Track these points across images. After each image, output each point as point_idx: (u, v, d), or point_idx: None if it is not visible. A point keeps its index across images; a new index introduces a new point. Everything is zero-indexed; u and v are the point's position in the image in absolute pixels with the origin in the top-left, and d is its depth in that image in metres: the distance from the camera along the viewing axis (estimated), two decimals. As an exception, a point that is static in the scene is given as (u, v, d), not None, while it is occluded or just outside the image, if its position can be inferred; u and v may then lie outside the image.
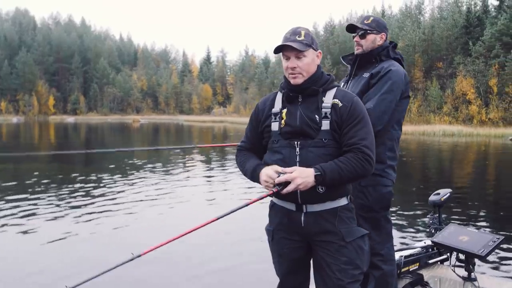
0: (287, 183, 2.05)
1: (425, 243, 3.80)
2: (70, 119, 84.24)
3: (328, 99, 2.19)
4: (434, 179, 12.89)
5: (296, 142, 2.16)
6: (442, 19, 57.17)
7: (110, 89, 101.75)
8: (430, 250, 3.72)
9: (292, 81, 2.20)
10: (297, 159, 2.14)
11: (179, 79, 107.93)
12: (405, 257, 3.52)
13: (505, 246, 5.72)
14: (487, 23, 49.50)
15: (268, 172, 2.12)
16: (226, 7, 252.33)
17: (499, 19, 47.68)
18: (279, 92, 2.32)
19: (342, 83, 3.10)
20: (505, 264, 5.23)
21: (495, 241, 3.31)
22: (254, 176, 2.24)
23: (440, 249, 3.71)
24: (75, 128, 53.42)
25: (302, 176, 2.03)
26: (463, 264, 3.48)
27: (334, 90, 2.23)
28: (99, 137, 36.30)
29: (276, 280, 2.44)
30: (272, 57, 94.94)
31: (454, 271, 3.46)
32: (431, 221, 3.93)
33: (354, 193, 2.65)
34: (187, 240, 6.30)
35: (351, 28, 3.00)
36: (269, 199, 2.36)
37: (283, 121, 2.21)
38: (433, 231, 3.84)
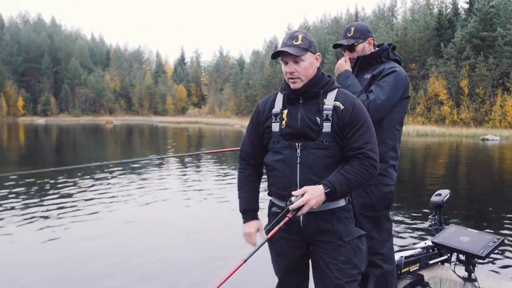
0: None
1: (425, 243, 3.84)
2: (40, 120, 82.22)
3: (329, 101, 2.20)
4: (419, 179, 13.04)
5: (297, 144, 2.18)
6: (415, 21, 58.19)
7: (82, 90, 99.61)
8: (431, 250, 3.74)
9: (291, 86, 2.22)
10: (298, 160, 2.17)
11: (153, 80, 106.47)
12: (406, 257, 3.53)
13: (505, 246, 5.77)
14: (458, 26, 50.63)
15: (249, 231, 2.34)
16: (200, 7, 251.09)
17: (469, 21, 48.82)
18: (279, 92, 2.33)
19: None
20: (505, 265, 5.27)
21: (495, 242, 3.31)
22: (242, 215, 2.41)
23: (440, 250, 3.72)
24: (46, 129, 52.23)
25: (314, 196, 2.05)
26: (463, 265, 3.47)
27: (335, 91, 2.23)
28: (71, 139, 35.55)
29: (275, 280, 2.43)
30: (247, 58, 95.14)
31: (455, 272, 3.47)
32: (432, 222, 3.91)
33: (356, 192, 2.68)
34: (187, 241, 6.30)
35: (337, 46, 3.10)
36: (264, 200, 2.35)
37: (283, 122, 2.23)
38: (433, 231, 3.82)
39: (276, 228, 2.09)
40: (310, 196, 2.04)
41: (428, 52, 52.16)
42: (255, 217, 2.40)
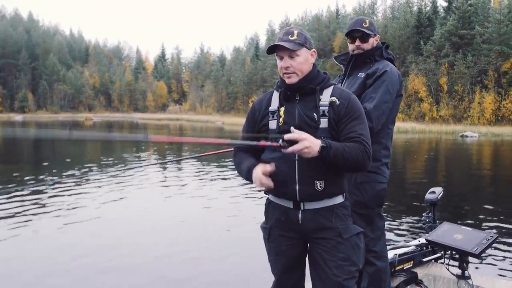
0: (294, 142, 2.00)
1: (419, 241, 3.81)
2: (18, 117, 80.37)
3: (326, 97, 2.21)
4: (401, 176, 13.10)
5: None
6: (395, 19, 58.80)
7: (60, 86, 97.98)
8: (425, 248, 3.73)
9: (287, 81, 2.22)
10: (296, 157, 2.14)
11: (133, 76, 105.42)
12: (400, 255, 3.52)
13: (498, 244, 5.81)
14: (437, 24, 51.32)
15: (257, 175, 2.14)
16: (180, 3, 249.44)
17: (448, 19, 49.54)
18: (275, 91, 2.32)
19: (336, 83, 3.05)
20: (498, 262, 5.29)
21: (488, 239, 3.30)
22: (248, 177, 2.22)
23: (434, 247, 3.71)
24: (23, 126, 51.28)
25: (310, 140, 2.00)
26: (457, 262, 3.45)
27: (331, 88, 2.25)
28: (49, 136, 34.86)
29: (271, 278, 2.39)
30: (228, 55, 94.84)
31: (448, 269, 3.45)
32: (426, 220, 3.90)
33: (349, 190, 2.67)
34: (182, 236, 6.25)
35: (352, 32, 3.02)
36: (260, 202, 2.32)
37: (281, 119, 2.22)
38: (427, 229, 3.80)
39: (265, 143, 2.10)
40: (307, 137, 2.00)
41: (408, 50, 52.73)
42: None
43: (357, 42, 3.01)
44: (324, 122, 2.16)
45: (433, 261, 3.76)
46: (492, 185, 12.12)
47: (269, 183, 2.11)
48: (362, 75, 2.94)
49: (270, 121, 2.25)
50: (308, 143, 1.98)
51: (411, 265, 3.57)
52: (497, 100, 42.30)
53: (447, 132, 37.10)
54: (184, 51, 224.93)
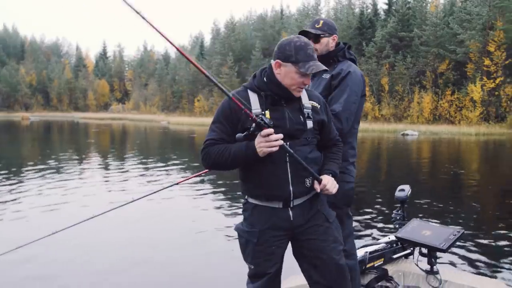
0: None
1: (389, 238, 3.84)
2: None
3: (305, 100, 2.34)
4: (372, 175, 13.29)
5: (286, 143, 2.17)
6: (338, 20, 60.03)
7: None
8: (394, 245, 3.75)
9: (296, 94, 2.28)
10: (287, 159, 2.22)
11: (73, 74, 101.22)
12: (370, 253, 3.53)
13: (465, 239, 5.93)
14: (378, 26, 52.93)
15: (262, 138, 2.08)
16: None
17: (388, 22, 51.25)
18: (250, 91, 2.29)
19: None
20: (465, 256, 5.39)
21: (455, 235, 3.35)
22: (248, 154, 2.14)
23: (404, 244, 3.72)
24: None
25: (333, 183, 2.31)
26: (426, 258, 3.49)
27: (304, 91, 2.37)
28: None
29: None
30: (172, 53, 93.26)
31: (417, 265, 3.49)
32: (397, 217, 3.89)
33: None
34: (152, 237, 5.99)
35: (304, 33, 3.02)
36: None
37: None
38: (397, 226, 3.80)
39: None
40: (331, 181, 2.30)
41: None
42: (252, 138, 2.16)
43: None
44: (309, 124, 2.29)
45: (403, 257, 3.79)
46: (445, 180, 12.53)
47: (279, 135, 2.09)
48: (327, 76, 2.98)
49: (251, 128, 2.12)
50: (334, 185, 2.30)
51: (382, 262, 3.58)
52: (434, 100, 44.19)
53: (389, 130, 38.37)
54: (127, 49, 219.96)
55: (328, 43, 3.04)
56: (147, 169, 13.74)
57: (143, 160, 16.34)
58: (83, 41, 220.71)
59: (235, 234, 2.42)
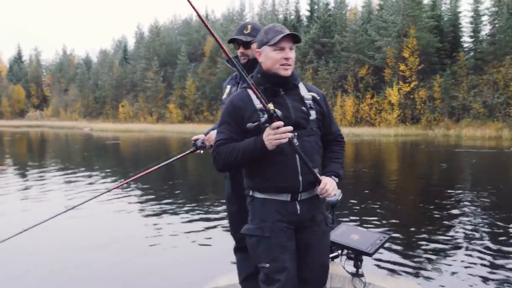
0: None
1: None
2: None
3: (304, 91, 2.38)
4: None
5: (294, 133, 2.21)
6: (262, 26, 60.62)
7: None
8: None
9: (283, 73, 2.29)
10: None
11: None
12: None
13: (390, 244, 6.12)
14: (301, 31, 54.37)
15: (271, 131, 2.09)
16: (38, 1, 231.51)
17: (311, 28, 52.84)
18: (249, 91, 2.29)
19: (229, 86, 3.13)
20: (389, 261, 5.57)
21: (381, 240, 3.47)
22: (256, 148, 2.15)
23: (332, 247, 3.75)
24: None
25: (334, 186, 2.34)
26: (352, 261, 3.58)
27: (301, 84, 2.43)
28: None
29: None
30: (94, 57, 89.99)
31: (344, 268, 3.56)
32: None
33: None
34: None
35: (233, 41, 3.09)
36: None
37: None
38: None
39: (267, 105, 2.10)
40: (331, 183, 2.33)
41: (276, 56, 55.00)
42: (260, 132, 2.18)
43: (241, 49, 3.04)
44: (313, 114, 2.34)
45: (330, 259, 3.83)
46: (367, 182, 12.98)
47: (288, 128, 2.09)
48: None
49: (262, 119, 2.15)
50: (334, 188, 2.33)
51: None
52: (356, 103, 46.09)
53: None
54: (44, 53, 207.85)
55: None
56: (69, 179, 13.06)
57: (65, 170, 15.54)
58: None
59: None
